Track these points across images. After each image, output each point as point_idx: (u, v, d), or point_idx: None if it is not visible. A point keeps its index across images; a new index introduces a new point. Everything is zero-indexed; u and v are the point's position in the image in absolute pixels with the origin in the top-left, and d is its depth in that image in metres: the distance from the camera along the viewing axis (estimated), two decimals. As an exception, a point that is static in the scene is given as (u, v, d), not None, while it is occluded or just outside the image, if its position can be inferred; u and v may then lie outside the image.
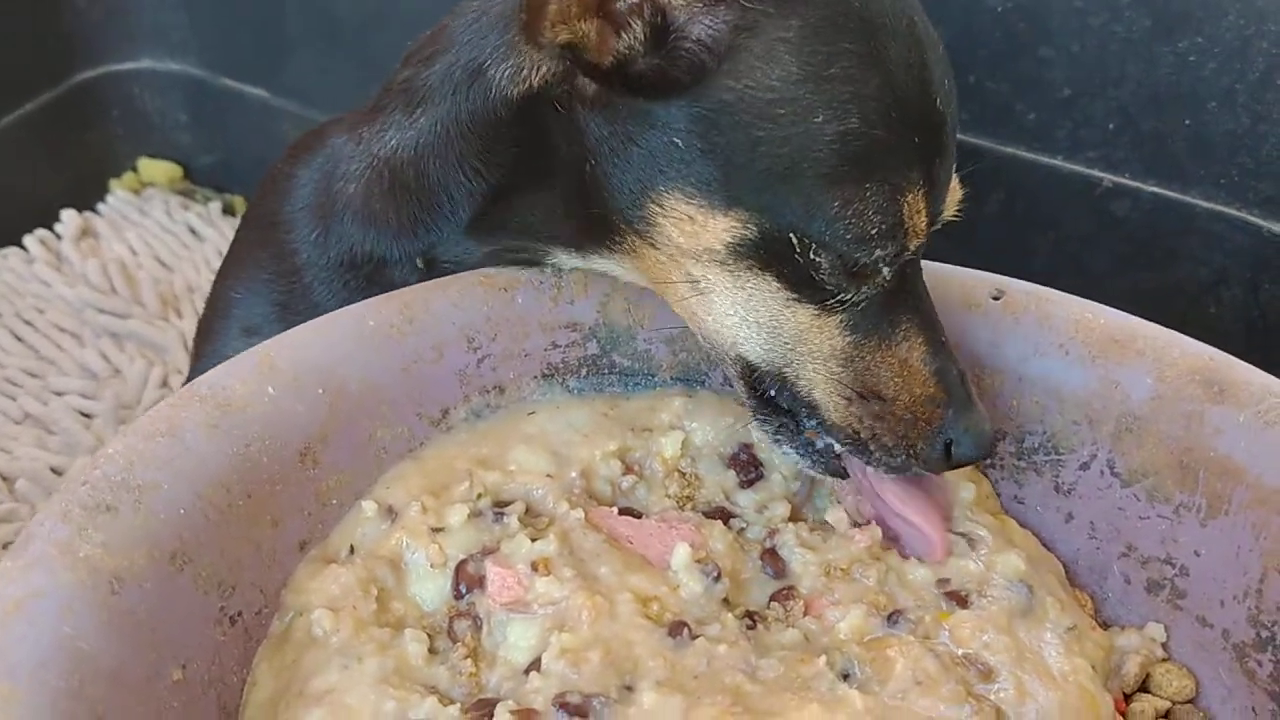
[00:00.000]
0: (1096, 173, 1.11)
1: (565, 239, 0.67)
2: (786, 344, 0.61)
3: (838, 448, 0.63)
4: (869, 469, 0.63)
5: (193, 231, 1.48)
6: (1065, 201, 1.13)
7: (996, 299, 0.72)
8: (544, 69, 0.61)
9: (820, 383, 0.61)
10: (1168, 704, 0.65)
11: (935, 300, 0.64)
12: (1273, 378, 0.68)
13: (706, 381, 0.74)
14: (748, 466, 0.69)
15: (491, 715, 0.53)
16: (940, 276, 0.71)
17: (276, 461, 0.60)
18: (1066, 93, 1.08)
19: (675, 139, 0.57)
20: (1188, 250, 1.11)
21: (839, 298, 0.59)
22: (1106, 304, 0.73)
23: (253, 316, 0.79)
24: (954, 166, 0.62)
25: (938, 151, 0.59)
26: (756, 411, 0.65)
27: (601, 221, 0.62)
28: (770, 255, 0.58)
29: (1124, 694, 0.65)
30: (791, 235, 0.57)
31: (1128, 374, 0.68)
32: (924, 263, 0.66)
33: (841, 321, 0.60)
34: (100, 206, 1.50)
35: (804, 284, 0.59)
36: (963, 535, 0.67)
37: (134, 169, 1.56)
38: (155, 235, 1.46)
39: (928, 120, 0.58)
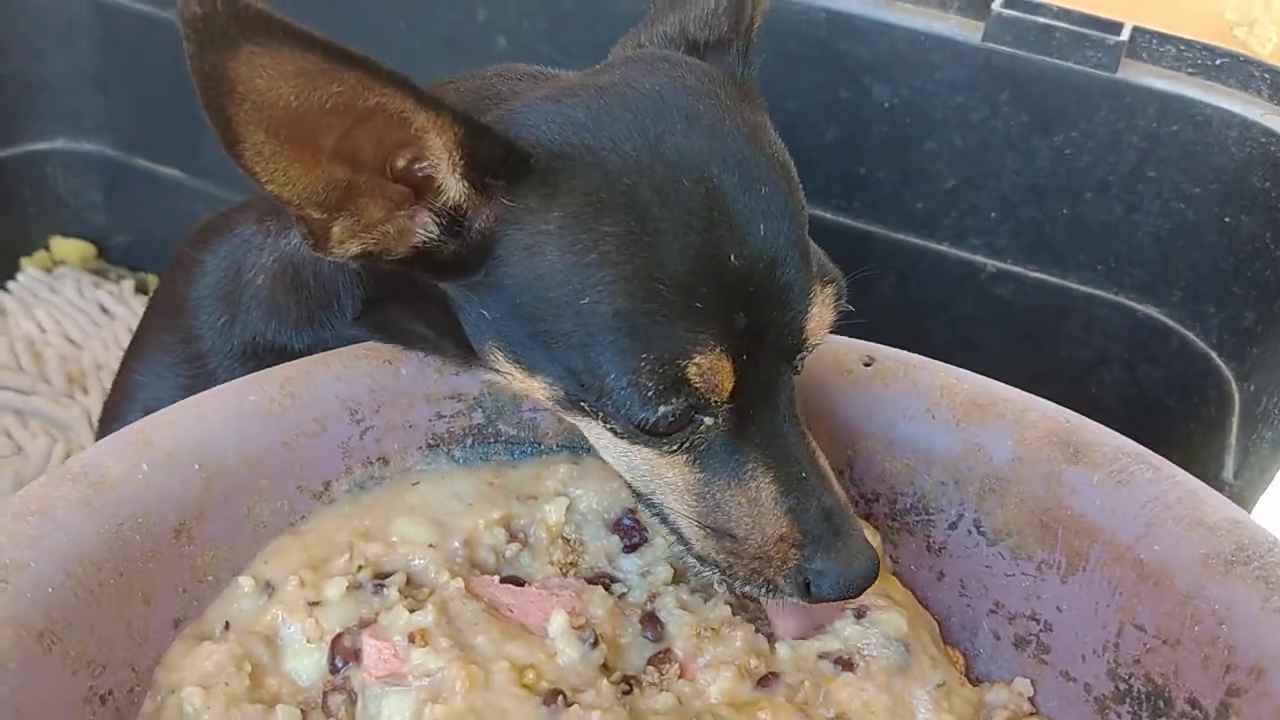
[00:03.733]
0: (980, 258, 1.15)
1: (445, 352, 0.69)
2: (644, 476, 0.63)
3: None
4: None
5: (104, 310, 1.47)
6: (954, 285, 1.17)
7: (867, 365, 0.74)
8: None
9: (681, 513, 0.62)
10: (1034, 758, 0.67)
11: (808, 367, 0.65)
12: (1125, 439, 0.71)
13: (592, 448, 0.74)
14: (631, 531, 0.70)
15: (359, 790, 0.52)
16: (812, 344, 0.74)
17: (150, 539, 0.59)
18: (951, 183, 1.13)
19: (483, 311, 0.60)
20: (1069, 332, 1.15)
21: (665, 444, 0.59)
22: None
23: (157, 399, 0.79)
24: (792, 302, 0.59)
25: (741, 305, 0.56)
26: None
27: (469, 346, 0.64)
28: (589, 408, 0.59)
29: (993, 749, 0.67)
30: (583, 402, 0.59)
31: (990, 436, 0.71)
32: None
33: (687, 460, 0.61)
34: (10, 284, 1.48)
35: (629, 432, 0.59)
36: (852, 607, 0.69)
37: (46, 248, 1.55)
38: (65, 313, 1.44)
39: (719, 280, 0.56)
